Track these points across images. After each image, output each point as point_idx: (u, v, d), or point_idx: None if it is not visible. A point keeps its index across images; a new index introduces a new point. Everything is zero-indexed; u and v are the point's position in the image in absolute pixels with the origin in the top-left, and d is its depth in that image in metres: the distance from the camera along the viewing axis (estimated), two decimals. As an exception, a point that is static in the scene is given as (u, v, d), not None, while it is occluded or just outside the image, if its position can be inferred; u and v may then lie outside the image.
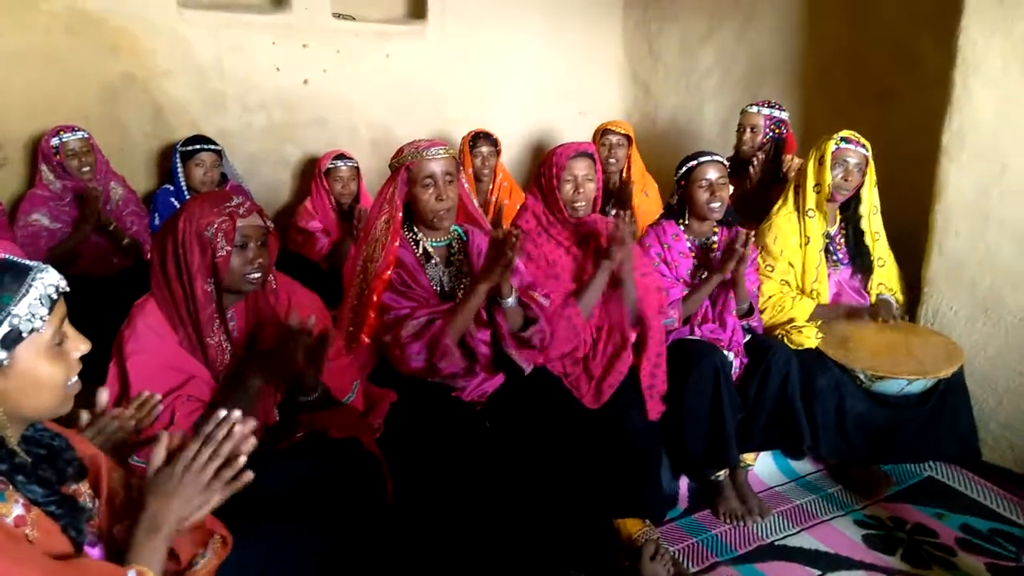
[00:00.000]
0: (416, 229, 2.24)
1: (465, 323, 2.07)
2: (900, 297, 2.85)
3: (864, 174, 2.71)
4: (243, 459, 1.13)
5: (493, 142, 3.86)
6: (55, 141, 3.14)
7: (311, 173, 3.90)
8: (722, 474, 2.50)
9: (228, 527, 1.28)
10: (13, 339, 0.96)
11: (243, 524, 1.33)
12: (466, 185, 2.35)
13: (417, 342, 2.07)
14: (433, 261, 2.25)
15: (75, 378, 1.07)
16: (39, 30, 3.29)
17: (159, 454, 1.13)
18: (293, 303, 1.96)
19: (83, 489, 1.11)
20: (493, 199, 3.89)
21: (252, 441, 1.16)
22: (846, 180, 2.68)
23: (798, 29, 3.80)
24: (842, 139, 2.67)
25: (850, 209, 2.82)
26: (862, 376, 2.48)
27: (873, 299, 2.81)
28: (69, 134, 3.15)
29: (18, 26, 3.25)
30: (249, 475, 1.15)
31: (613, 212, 3.48)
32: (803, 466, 2.74)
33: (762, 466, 2.68)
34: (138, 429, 1.45)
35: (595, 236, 2.47)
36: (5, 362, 0.96)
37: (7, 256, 1.01)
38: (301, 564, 1.51)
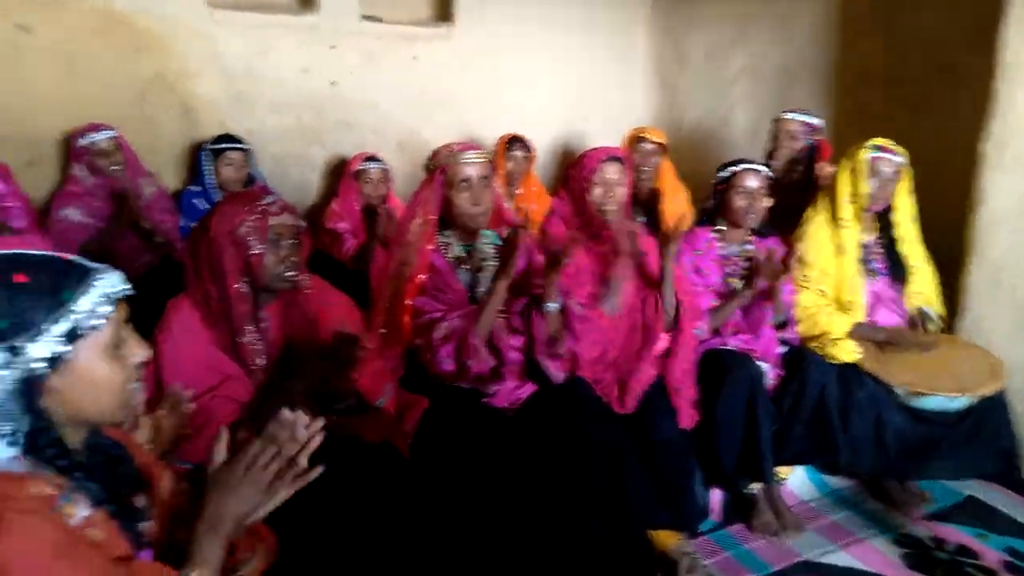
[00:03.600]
0: (448, 233, 2.22)
1: (490, 321, 2.06)
2: (940, 308, 2.79)
3: (899, 182, 2.65)
4: (305, 461, 1.11)
5: (527, 147, 3.87)
6: (85, 140, 3.15)
7: (338, 174, 3.90)
8: (756, 487, 2.45)
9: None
10: (74, 336, 0.96)
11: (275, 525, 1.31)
12: (499, 189, 2.32)
13: (447, 344, 2.05)
14: (465, 265, 2.22)
15: (135, 384, 1.06)
16: (70, 30, 3.31)
17: (220, 451, 1.12)
18: (326, 304, 1.95)
19: (139, 499, 1.09)
20: (523, 203, 3.87)
21: (315, 441, 1.14)
22: (881, 189, 2.62)
23: (831, 35, 3.74)
24: (876, 148, 2.62)
25: (885, 218, 2.76)
26: (901, 392, 2.43)
27: (911, 309, 2.75)
28: (98, 134, 3.16)
29: (50, 26, 3.26)
30: (316, 471, 1.13)
31: (642, 220, 3.47)
32: (837, 481, 2.68)
33: (795, 480, 2.62)
34: (178, 432, 1.43)
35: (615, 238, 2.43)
36: (66, 357, 0.96)
37: (72, 256, 1.02)
38: (331, 567, 1.49)
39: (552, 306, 2.10)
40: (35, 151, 3.35)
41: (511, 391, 2.16)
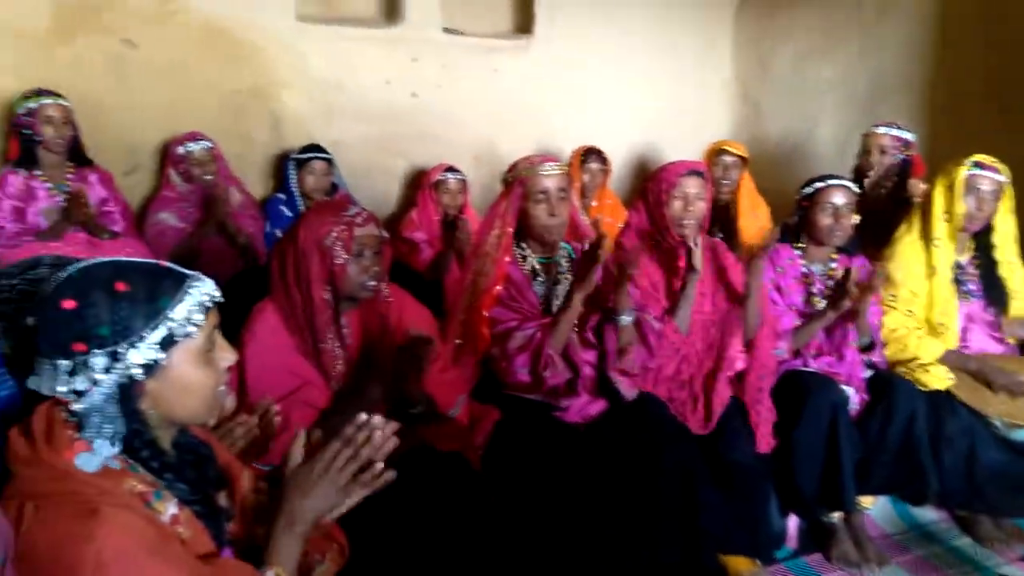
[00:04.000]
0: (524, 244, 2.23)
1: (565, 332, 2.05)
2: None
3: (999, 201, 2.51)
4: (381, 464, 1.13)
5: (604, 159, 3.86)
6: (182, 149, 3.30)
7: (416, 184, 3.97)
8: (836, 516, 2.35)
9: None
10: (169, 342, 1.00)
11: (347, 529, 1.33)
12: (575, 202, 2.32)
13: (523, 354, 2.06)
14: (540, 277, 2.22)
15: (224, 387, 1.10)
16: (172, 43, 3.49)
17: (297, 452, 1.15)
18: (403, 312, 1.98)
19: (221, 496, 1.13)
20: (597, 216, 3.84)
21: (391, 444, 1.15)
22: (979, 209, 2.49)
23: (928, 48, 3.59)
24: (975, 164, 2.49)
25: (983, 237, 2.62)
26: (998, 423, 2.29)
27: (1009, 337, 2.59)
28: (195, 143, 3.31)
29: (154, 40, 3.45)
30: (390, 475, 1.15)
31: (720, 235, 3.39)
32: (925, 514, 2.54)
33: (879, 510, 2.51)
34: (261, 435, 1.47)
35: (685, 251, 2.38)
36: (162, 363, 0.99)
37: (167, 264, 1.05)
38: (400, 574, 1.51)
39: (625, 319, 2.07)
40: (135, 158, 3.55)
41: (583, 406, 2.15)
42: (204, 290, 1.04)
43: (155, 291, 0.99)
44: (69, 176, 3.06)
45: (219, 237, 3.32)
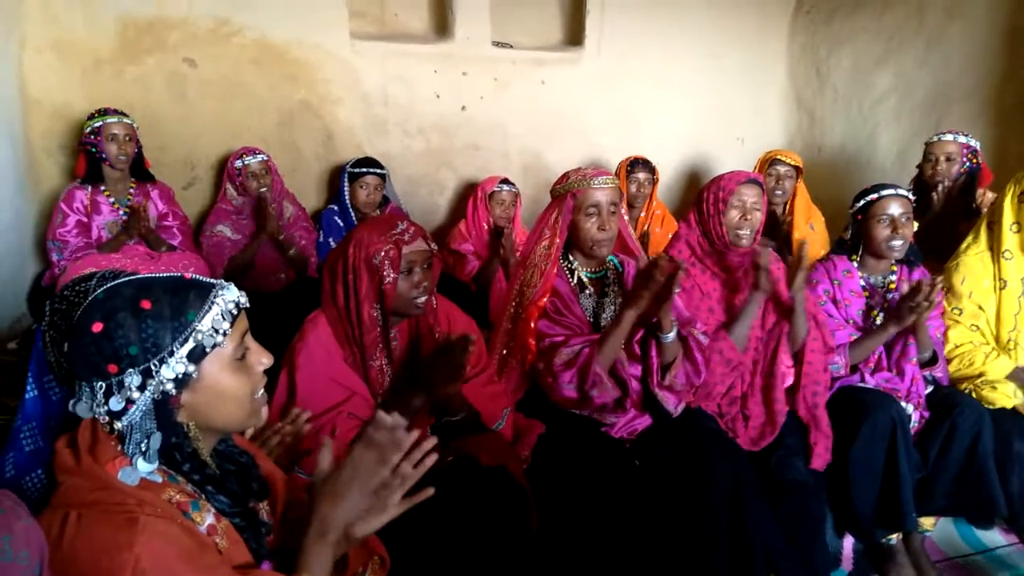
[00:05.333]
0: (572, 257, 2.21)
1: (614, 351, 2.02)
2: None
3: (1074, 212, 2.39)
4: (413, 472, 1.11)
5: (651, 169, 3.82)
6: (239, 163, 3.40)
7: (464, 196, 4.00)
8: (895, 538, 2.26)
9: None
10: (199, 354, 1.01)
11: (391, 545, 1.33)
12: (624, 216, 2.29)
13: (569, 370, 2.03)
14: (587, 291, 2.20)
15: (261, 391, 1.11)
16: (230, 61, 3.61)
17: (325, 459, 1.14)
18: (451, 325, 1.99)
19: (262, 507, 1.14)
20: (645, 227, 3.81)
21: (430, 458, 1.13)
22: (1052, 219, 2.38)
23: (995, 54, 3.45)
24: (1048, 172, 2.38)
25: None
26: (1070, 443, 2.17)
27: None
28: (251, 157, 3.41)
29: (213, 58, 3.57)
30: (428, 491, 1.13)
31: (773, 245, 3.32)
32: (992, 537, 2.42)
33: (941, 533, 2.40)
34: (296, 442, 1.49)
35: (749, 267, 2.33)
36: (194, 375, 1.01)
37: (192, 275, 1.06)
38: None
39: (668, 336, 2.04)
40: (193, 173, 3.67)
41: (629, 421, 2.12)
42: (230, 298, 1.04)
43: (180, 305, 1.00)
44: (131, 191, 3.19)
45: (272, 249, 3.40)
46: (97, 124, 3.04)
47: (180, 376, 0.99)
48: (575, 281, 2.19)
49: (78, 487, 0.97)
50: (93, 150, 3.05)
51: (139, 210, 3.04)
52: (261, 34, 3.62)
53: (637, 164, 3.78)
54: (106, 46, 3.37)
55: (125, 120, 3.09)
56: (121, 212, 3.12)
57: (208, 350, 1.01)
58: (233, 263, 3.26)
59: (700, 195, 2.40)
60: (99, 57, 3.37)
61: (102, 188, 3.12)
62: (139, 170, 3.22)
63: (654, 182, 3.84)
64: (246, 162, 3.39)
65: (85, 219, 3.08)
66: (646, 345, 2.08)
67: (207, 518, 1.01)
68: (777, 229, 3.51)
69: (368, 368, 1.81)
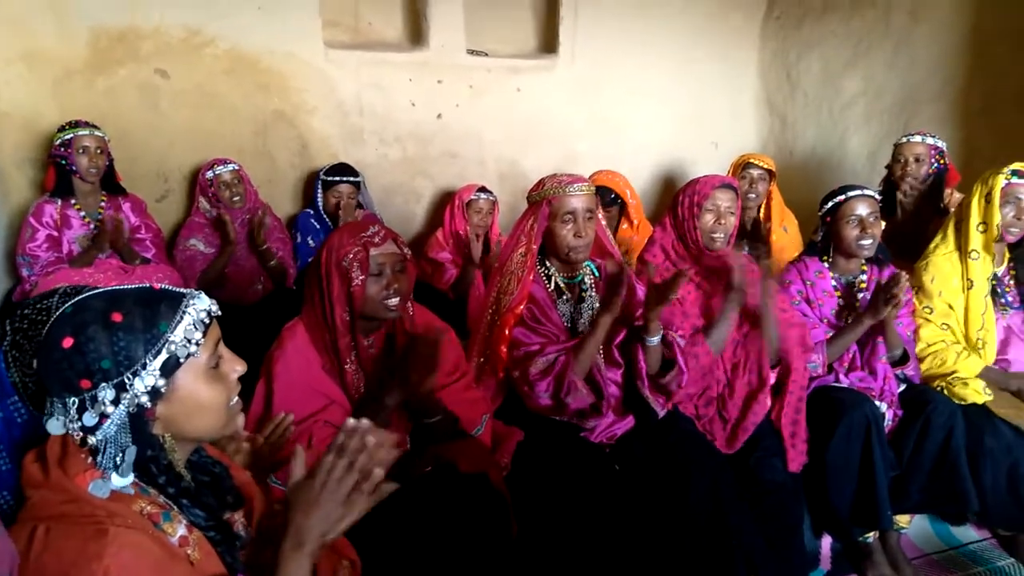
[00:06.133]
0: (549, 263, 2.22)
1: (590, 357, 2.04)
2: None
3: (1038, 210, 2.44)
4: (380, 472, 1.09)
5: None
6: (210, 174, 3.36)
7: (441, 204, 4.00)
8: (871, 536, 2.29)
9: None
10: (172, 365, 1.00)
11: (369, 552, 1.32)
12: (603, 221, 2.31)
13: (545, 379, 2.04)
14: (565, 296, 2.21)
15: (236, 398, 1.10)
16: (203, 72, 3.57)
17: (297, 469, 1.13)
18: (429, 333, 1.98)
19: (237, 518, 1.13)
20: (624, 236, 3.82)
21: (391, 453, 1.12)
22: (1018, 219, 2.43)
23: (960, 56, 3.52)
24: (1013, 173, 2.43)
25: (1020, 248, 2.55)
26: (1040, 438, 2.21)
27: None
28: (222, 167, 3.37)
29: (186, 68, 3.53)
30: (391, 485, 1.12)
31: (746, 248, 3.35)
32: (966, 532, 2.46)
33: (917, 530, 2.44)
34: (274, 451, 1.48)
35: (725, 271, 2.35)
36: (165, 389, 1.00)
37: (162, 286, 1.05)
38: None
39: (653, 340, 2.05)
40: (166, 185, 3.63)
41: (608, 426, 2.12)
42: (201, 307, 1.03)
43: (152, 316, 0.99)
44: (103, 204, 3.14)
45: (247, 260, 3.38)
46: (68, 136, 2.99)
47: (154, 388, 0.98)
48: (552, 287, 2.20)
49: (46, 500, 0.95)
50: (63, 163, 3.00)
51: (117, 223, 2.99)
52: (234, 44, 3.59)
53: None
54: (77, 56, 3.33)
55: (96, 132, 3.04)
56: (92, 226, 3.07)
57: (182, 360, 1.00)
58: (206, 276, 3.22)
59: (675, 199, 2.42)
60: (70, 68, 3.32)
61: (72, 201, 3.06)
62: (110, 183, 3.17)
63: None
64: (217, 172, 3.36)
65: (56, 233, 3.02)
66: (632, 349, 2.09)
67: (179, 529, 1.00)
68: (755, 233, 3.55)
69: (344, 373, 1.80)
